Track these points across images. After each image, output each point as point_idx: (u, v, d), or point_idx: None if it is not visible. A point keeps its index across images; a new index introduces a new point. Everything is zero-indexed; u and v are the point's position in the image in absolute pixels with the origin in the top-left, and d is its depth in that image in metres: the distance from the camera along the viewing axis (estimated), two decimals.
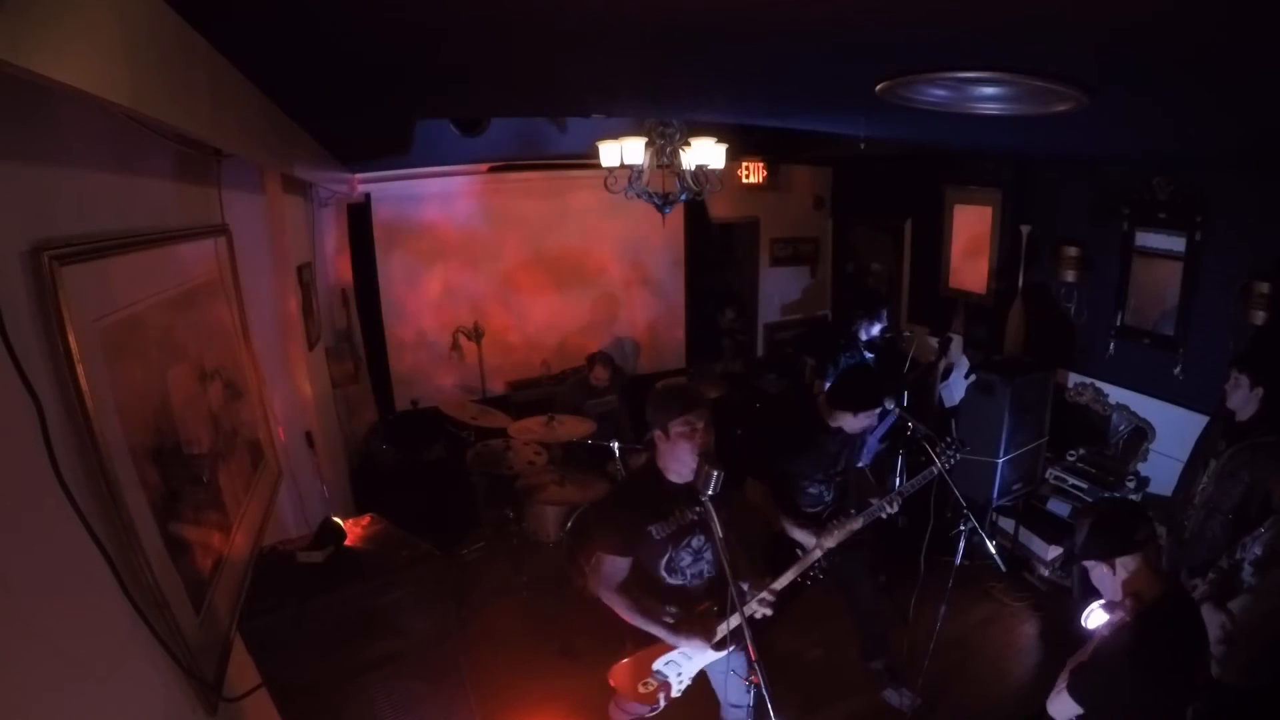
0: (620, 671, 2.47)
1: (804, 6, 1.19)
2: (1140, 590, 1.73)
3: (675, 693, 2.51)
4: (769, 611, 2.29)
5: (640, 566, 2.32)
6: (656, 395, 2.33)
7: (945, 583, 3.04)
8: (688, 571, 2.38)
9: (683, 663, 2.47)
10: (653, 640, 2.40)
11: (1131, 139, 2.92)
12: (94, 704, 1.09)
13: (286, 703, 1.62)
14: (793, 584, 2.97)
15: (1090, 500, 3.89)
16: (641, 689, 2.47)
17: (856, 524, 2.72)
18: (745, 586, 2.37)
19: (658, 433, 2.25)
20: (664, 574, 2.35)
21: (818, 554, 2.68)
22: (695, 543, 2.36)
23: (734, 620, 2.38)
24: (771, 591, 2.36)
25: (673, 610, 2.39)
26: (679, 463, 2.25)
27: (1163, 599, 1.71)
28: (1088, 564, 1.82)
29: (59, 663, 1.01)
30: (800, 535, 2.82)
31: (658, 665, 2.46)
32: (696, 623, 2.38)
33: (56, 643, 1.00)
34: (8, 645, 0.90)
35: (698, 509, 2.31)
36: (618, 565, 2.28)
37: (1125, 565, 1.74)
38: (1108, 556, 1.76)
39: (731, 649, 2.44)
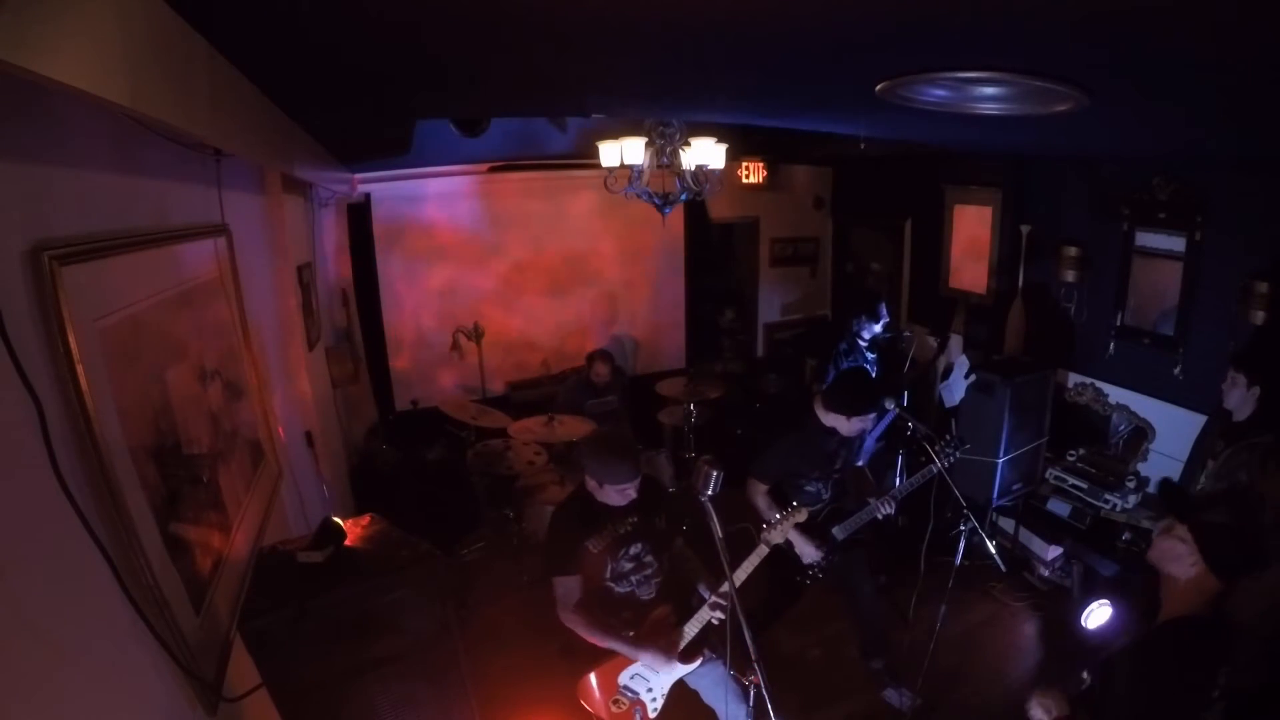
0: (587, 690, 2.47)
1: (805, 6, 1.19)
2: (1179, 605, 1.61)
3: (651, 713, 2.48)
4: (721, 615, 2.30)
5: (589, 580, 2.41)
6: (600, 450, 2.39)
7: (945, 583, 3.04)
8: (633, 578, 2.47)
9: (650, 677, 2.47)
10: (610, 653, 2.44)
11: (1132, 139, 2.92)
12: (94, 704, 1.09)
13: (286, 703, 1.62)
14: (793, 584, 2.98)
15: (1092, 501, 3.89)
16: (614, 708, 2.45)
17: (801, 517, 2.65)
18: (709, 595, 2.40)
19: (592, 481, 2.36)
20: (611, 584, 2.45)
21: (765, 550, 2.63)
22: (633, 550, 2.45)
23: (692, 628, 2.42)
24: (722, 595, 2.36)
25: (627, 616, 2.46)
26: (605, 499, 2.39)
27: (1188, 621, 1.60)
28: (1183, 535, 1.62)
29: (59, 662, 1.01)
30: (768, 512, 2.84)
31: (623, 680, 2.46)
32: (655, 634, 2.42)
33: (56, 643, 1.00)
34: (8, 645, 0.90)
35: (630, 520, 2.44)
36: (568, 585, 2.38)
37: (1206, 580, 1.57)
38: (1218, 568, 1.57)
39: (701, 661, 2.45)
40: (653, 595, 2.50)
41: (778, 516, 2.66)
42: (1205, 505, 1.68)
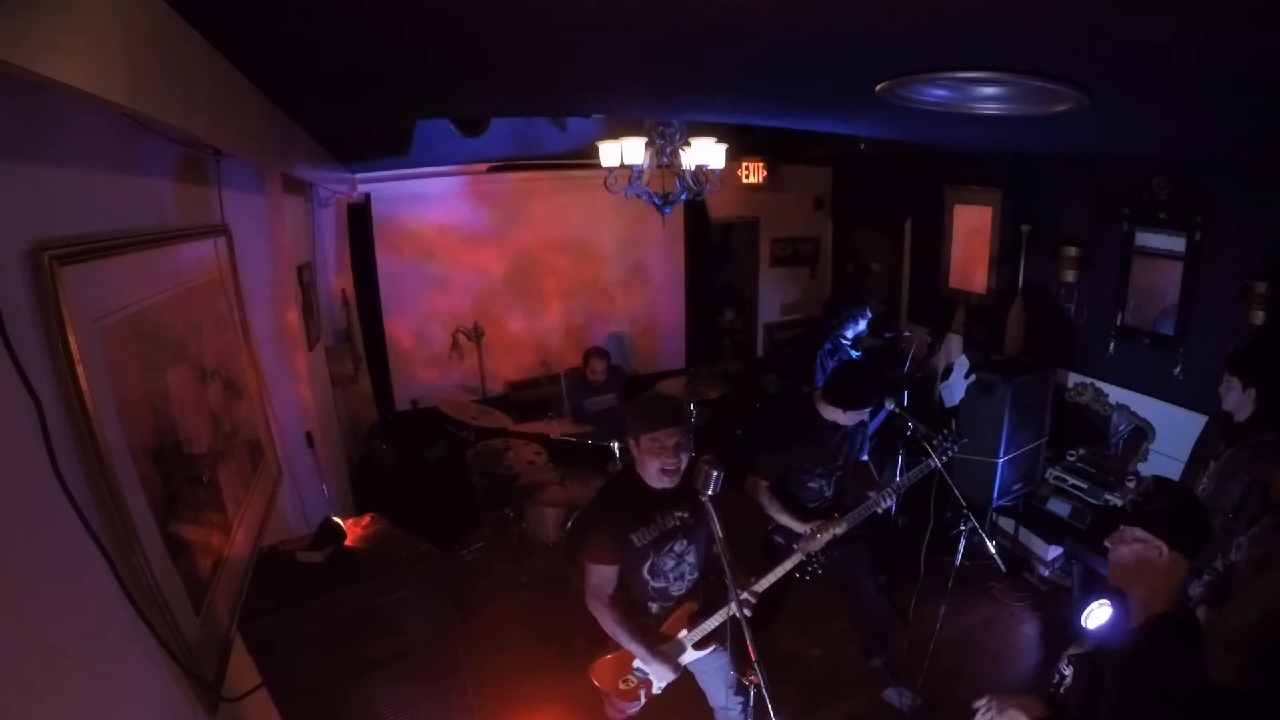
0: (601, 668, 2.50)
1: (804, 7, 1.19)
2: (1160, 599, 1.59)
3: (656, 689, 2.53)
4: (748, 613, 2.29)
5: (624, 572, 2.34)
6: (633, 407, 2.33)
7: (945, 583, 3.04)
8: (670, 575, 2.40)
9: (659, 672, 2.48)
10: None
11: (1132, 139, 2.91)
12: (94, 703, 1.09)
13: (286, 703, 1.62)
14: (788, 578, 2.99)
15: (1092, 501, 3.89)
16: (622, 685, 2.50)
17: (840, 529, 2.74)
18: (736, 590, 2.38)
19: (631, 443, 2.26)
20: (648, 577, 2.38)
21: (800, 557, 2.71)
22: (678, 548, 2.37)
23: (713, 622, 2.41)
24: (753, 593, 2.37)
25: (655, 609, 2.43)
26: (648, 476, 2.26)
27: (1173, 614, 1.58)
28: (1139, 535, 1.61)
29: (59, 662, 1.01)
30: (790, 521, 2.86)
31: (638, 663, 2.47)
32: (667, 650, 2.41)
33: (57, 642, 1.00)
34: (8, 644, 0.90)
35: (679, 514, 2.34)
36: (605, 574, 2.29)
37: (1174, 563, 1.55)
38: (1180, 546, 1.55)
39: (713, 649, 2.46)
40: (684, 592, 2.46)
41: (812, 527, 2.74)
42: (1140, 503, 1.71)
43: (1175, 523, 1.59)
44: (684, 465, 2.22)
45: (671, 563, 2.38)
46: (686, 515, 2.34)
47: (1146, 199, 3.80)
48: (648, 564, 2.34)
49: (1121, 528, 1.66)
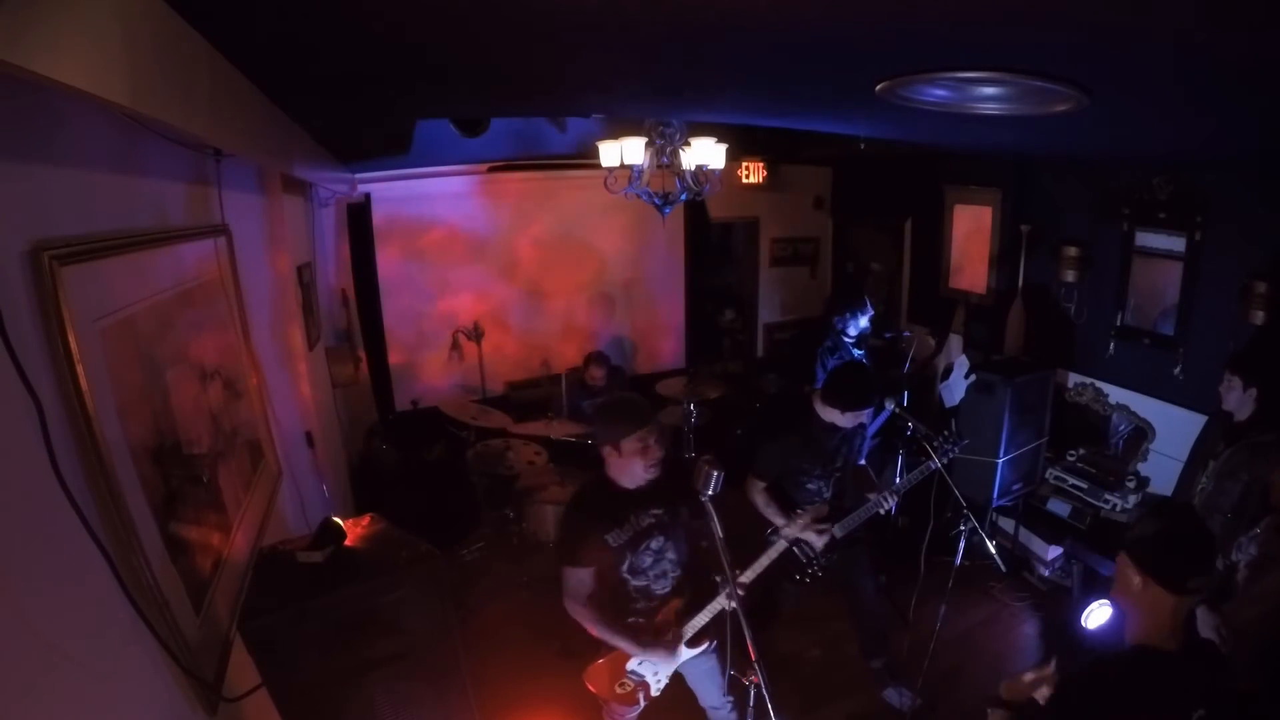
0: (595, 673, 2.48)
1: (805, 7, 1.19)
2: (1143, 630, 1.53)
3: (654, 692, 2.51)
4: (736, 604, 2.25)
5: (603, 572, 2.34)
6: (606, 412, 2.36)
7: (945, 583, 3.04)
8: (650, 573, 2.40)
9: (658, 663, 2.48)
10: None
11: (1132, 139, 2.92)
12: (94, 703, 1.09)
13: (286, 703, 1.62)
14: (789, 579, 2.99)
15: (1092, 501, 3.89)
16: (619, 689, 2.48)
17: (822, 512, 2.75)
18: (725, 584, 2.38)
19: (609, 449, 2.26)
20: (627, 576, 2.38)
21: (784, 545, 2.69)
22: (654, 545, 2.37)
23: (702, 618, 2.41)
24: (740, 584, 2.36)
25: (640, 607, 2.41)
26: (631, 476, 2.27)
27: (1154, 651, 1.50)
28: (1123, 561, 1.58)
29: (59, 662, 1.01)
30: (773, 515, 2.87)
31: (631, 666, 2.47)
32: (661, 634, 2.40)
33: (57, 642, 1.00)
34: (8, 644, 0.90)
35: (653, 512, 2.35)
36: (580, 576, 2.30)
37: (1158, 596, 1.49)
38: (1160, 579, 1.49)
39: (705, 647, 2.46)
40: (668, 590, 2.45)
41: (799, 513, 2.73)
42: (1131, 527, 1.67)
43: (1155, 552, 1.53)
44: (662, 454, 2.28)
45: (649, 560, 2.38)
46: (661, 513, 2.35)
47: (1146, 199, 3.81)
48: (625, 564, 2.35)
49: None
